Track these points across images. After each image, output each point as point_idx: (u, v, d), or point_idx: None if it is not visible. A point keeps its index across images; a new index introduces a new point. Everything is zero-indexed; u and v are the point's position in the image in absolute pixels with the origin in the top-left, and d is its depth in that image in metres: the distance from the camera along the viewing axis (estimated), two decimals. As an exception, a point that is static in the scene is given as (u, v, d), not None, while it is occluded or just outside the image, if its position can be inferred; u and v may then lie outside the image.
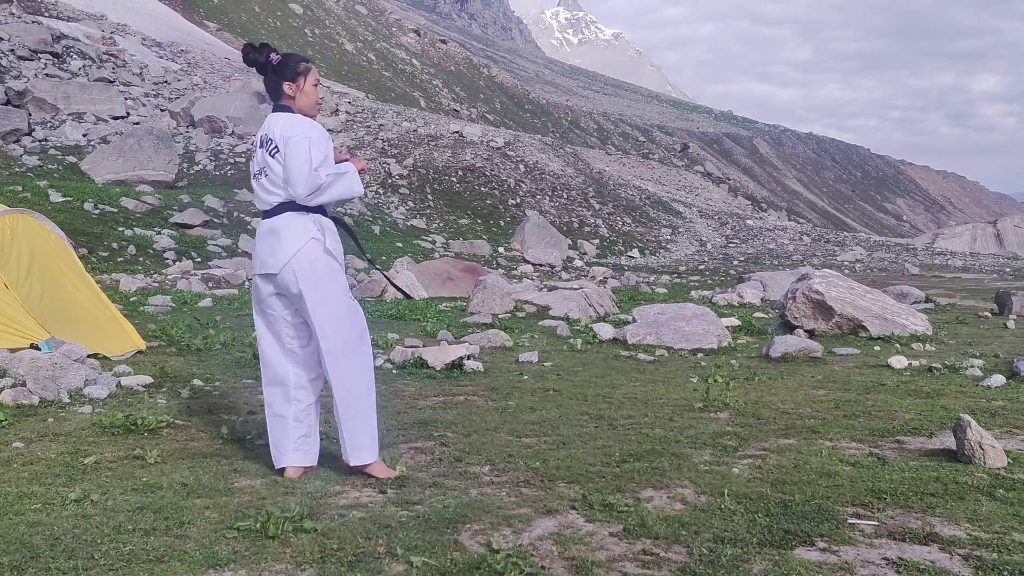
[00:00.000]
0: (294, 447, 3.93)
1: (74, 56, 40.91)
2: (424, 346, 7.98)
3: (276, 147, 3.78)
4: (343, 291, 3.83)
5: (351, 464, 3.89)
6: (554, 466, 4.09)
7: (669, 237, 47.95)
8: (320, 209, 3.86)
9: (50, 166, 27.10)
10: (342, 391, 3.83)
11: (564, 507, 3.49)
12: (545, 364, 7.56)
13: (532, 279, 21.32)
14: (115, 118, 35.45)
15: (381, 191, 42.78)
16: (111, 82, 39.81)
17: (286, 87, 3.86)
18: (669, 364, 7.82)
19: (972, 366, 7.13)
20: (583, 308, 12.21)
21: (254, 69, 3.93)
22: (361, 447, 3.87)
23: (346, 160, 3.90)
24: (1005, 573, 2.79)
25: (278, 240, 3.79)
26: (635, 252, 41.11)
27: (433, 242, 36.39)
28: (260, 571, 2.80)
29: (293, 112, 3.87)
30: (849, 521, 3.31)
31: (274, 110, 3.92)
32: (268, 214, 3.86)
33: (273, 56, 3.89)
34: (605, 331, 9.45)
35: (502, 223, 36.58)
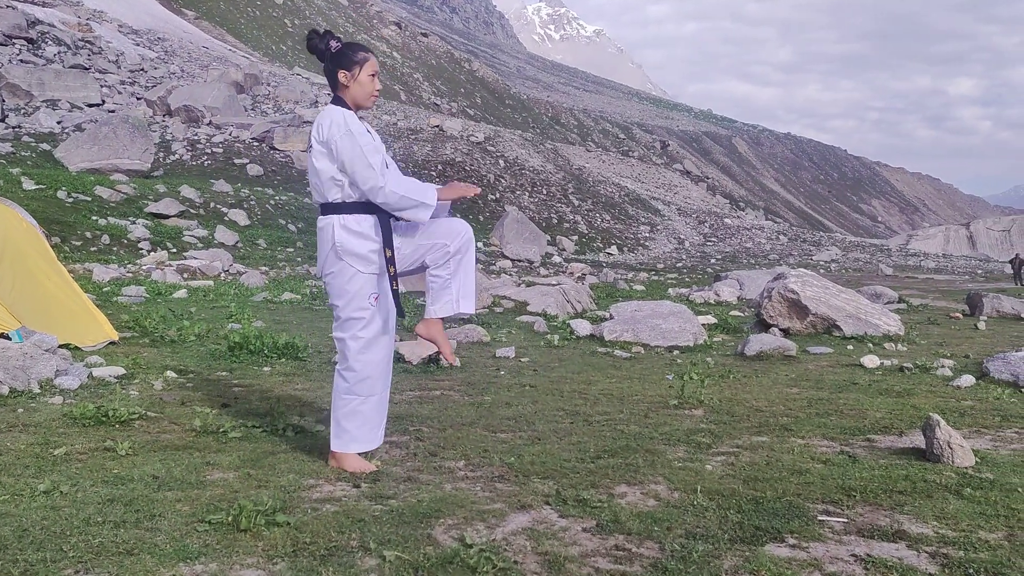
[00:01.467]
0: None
1: (49, 42, 40.33)
2: (400, 340, 7.96)
3: (310, 145, 3.81)
4: (355, 294, 3.79)
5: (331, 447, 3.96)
6: (529, 461, 4.09)
7: (647, 234, 48.09)
8: (359, 207, 3.80)
9: (23, 153, 26.73)
10: (335, 379, 3.97)
11: (538, 502, 3.50)
12: (522, 360, 7.57)
13: (510, 274, 21.34)
14: (90, 106, 35.01)
15: (360, 184, 42.56)
16: (86, 69, 39.30)
17: (341, 76, 3.83)
18: (645, 361, 7.85)
19: (943, 366, 7.21)
20: (561, 304, 12.23)
21: (315, 56, 3.88)
22: (337, 434, 3.91)
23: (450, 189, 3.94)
24: (971, 571, 2.83)
25: (322, 244, 3.86)
26: (613, 249, 41.18)
27: (412, 236, 35.94)
28: (231, 564, 2.78)
29: (344, 105, 3.85)
30: (819, 518, 3.35)
31: (332, 102, 3.89)
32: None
33: (333, 44, 3.85)
34: (582, 327, 9.48)
35: (481, 218, 36.52)
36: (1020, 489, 3.69)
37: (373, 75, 3.88)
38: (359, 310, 3.81)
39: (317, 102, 54.28)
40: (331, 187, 3.79)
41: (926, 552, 3.01)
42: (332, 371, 6.76)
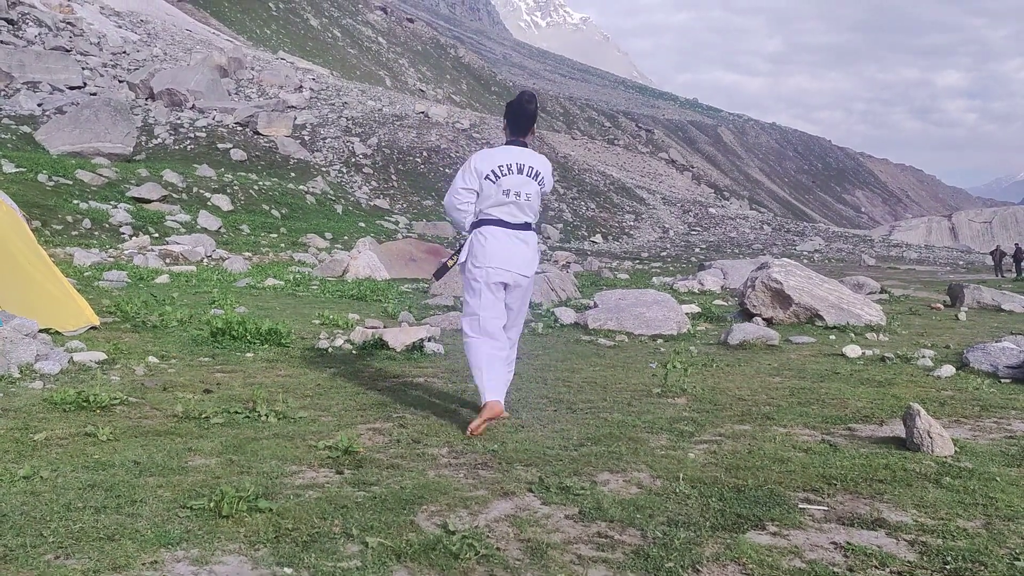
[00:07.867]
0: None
1: (30, 23, 39.80)
2: (385, 327, 7.94)
3: (542, 178, 4.67)
4: None
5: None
6: (512, 449, 4.10)
7: (632, 223, 48.16)
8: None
9: (3, 136, 26.40)
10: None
11: (521, 489, 3.51)
12: (506, 347, 7.56)
13: (495, 262, 21.29)
14: (71, 88, 34.59)
15: (344, 170, 42.33)
16: (68, 51, 38.79)
17: (535, 129, 4.83)
18: (629, 349, 7.87)
19: (923, 357, 7.27)
20: (545, 292, 12.24)
21: (507, 114, 4.72)
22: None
23: None
24: (949, 558, 2.86)
25: (532, 251, 4.78)
26: (598, 237, 41.21)
27: (396, 223, 36.03)
28: (213, 550, 2.77)
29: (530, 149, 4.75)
30: (800, 506, 3.37)
31: (516, 143, 4.70)
32: (517, 227, 4.67)
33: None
34: (567, 315, 9.49)
35: (466, 205, 36.31)
36: (998, 478, 3.73)
37: None
38: None
39: (302, 87, 53.89)
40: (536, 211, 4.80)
41: (905, 540, 3.04)
42: (314, 356, 6.74)
